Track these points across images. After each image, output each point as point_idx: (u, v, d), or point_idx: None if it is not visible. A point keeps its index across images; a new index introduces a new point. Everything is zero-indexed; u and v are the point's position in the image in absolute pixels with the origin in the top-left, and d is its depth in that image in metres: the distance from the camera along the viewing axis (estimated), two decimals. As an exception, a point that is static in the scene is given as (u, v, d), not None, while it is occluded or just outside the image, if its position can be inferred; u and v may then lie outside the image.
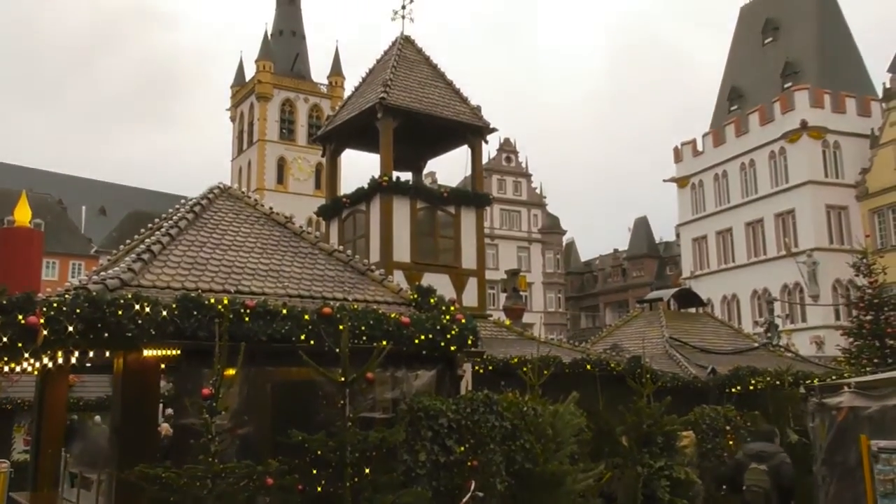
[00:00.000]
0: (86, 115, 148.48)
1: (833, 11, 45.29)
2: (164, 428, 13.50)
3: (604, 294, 68.30)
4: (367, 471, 6.15)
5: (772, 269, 39.09)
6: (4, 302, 5.67)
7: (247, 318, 6.70)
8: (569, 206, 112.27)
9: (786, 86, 42.35)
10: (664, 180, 48.05)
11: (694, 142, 46.36)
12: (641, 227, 66.73)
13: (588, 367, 13.26)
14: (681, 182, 46.83)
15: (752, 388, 14.78)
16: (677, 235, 51.84)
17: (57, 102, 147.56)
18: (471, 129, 15.58)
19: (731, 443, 11.53)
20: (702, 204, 45.49)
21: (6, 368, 9.06)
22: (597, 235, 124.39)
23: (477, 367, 11.82)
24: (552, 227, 63.43)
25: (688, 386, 15.08)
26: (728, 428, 11.61)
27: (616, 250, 70.00)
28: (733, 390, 14.82)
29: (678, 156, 47.28)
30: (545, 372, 10.13)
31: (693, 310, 21.20)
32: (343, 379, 6.34)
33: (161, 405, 14.56)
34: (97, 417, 19.00)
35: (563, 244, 66.08)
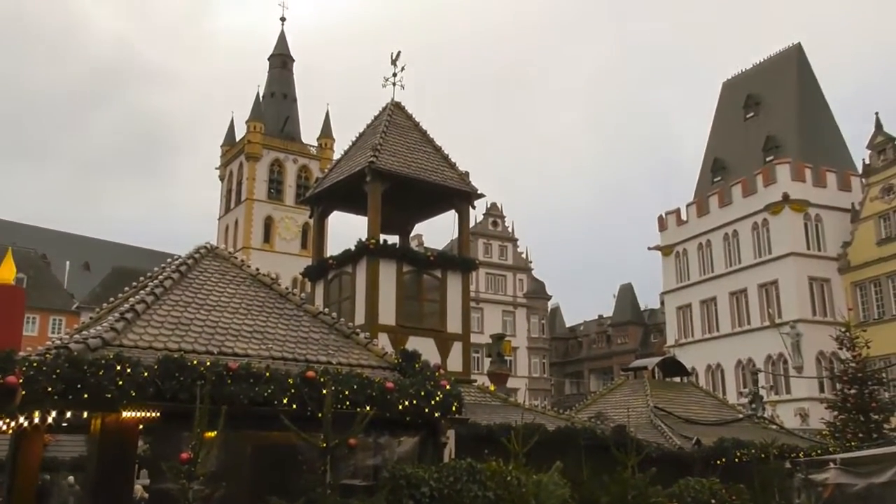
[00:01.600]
0: (72, 170, 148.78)
1: (812, 88, 46.71)
2: (139, 490, 13.16)
3: (588, 360, 68.05)
4: (347, 542, 6.02)
5: (756, 339, 39.19)
6: (-17, 359, 5.59)
7: (229, 381, 6.64)
8: (554, 271, 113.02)
9: (767, 159, 43.28)
10: (649, 248, 48.50)
11: (678, 211, 47.02)
12: (626, 294, 67.00)
13: (572, 436, 13.12)
14: (665, 250, 47.29)
15: (737, 459, 14.67)
16: (662, 303, 52.04)
17: (43, 157, 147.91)
18: (458, 195, 15.77)
19: (716, 517, 11.36)
20: (686, 272, 45.85)
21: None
22: (582, 301, 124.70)
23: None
24: (537, 292, 63.58)
25: (672, 457, 14.93)
26: (713, 502, 11.46)
27: (601, 316, 70.06)
28: (718, 462, 14.70)
29: (663, 224, 47.87)
30: (530, 440, 10.02)
31: (678, 379, 21.16)
32: (325, 444, 6.26)
33: (136, 465, 14.22)
34: (70, 478, 18.49)
35: (549, 309, 66.14)
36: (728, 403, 20.82)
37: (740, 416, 19.14)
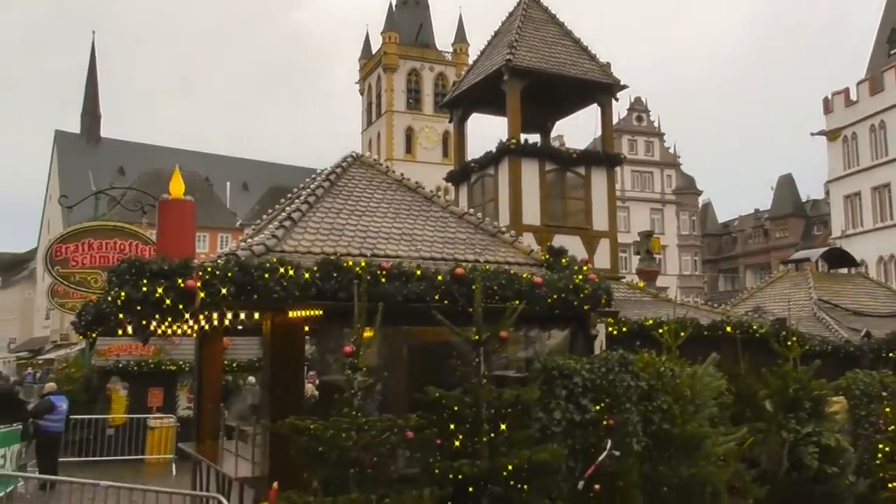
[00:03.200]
0: (226, 95, 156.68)
1: None
2: (309, 389, 14.30)
3: (744, 256, 65.01)
4: (503, 427, 6.25)
5: (936, 226, 35.86)
6: (166, 268, 6.16)
7: (383, 280, 6.93)
8: (705, 166, 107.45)
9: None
10: (812, 134, 44.89)
11: (847, 91, 42.90)
12: (786, 186, 62.80)
13: (728, 329, 12.74)
14: (831, 135, 43.54)
15: (911, 352, 13.75)
16: (826, 193, 48.48)
17: (198, 87, 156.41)
18: (600, 87, 15.18)
19: (888, 410, 10.79)
20: (855, 158, 42.20)
21: (169, 331, 9.91)
22: (735, 196, 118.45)
23: (611, 329, 11.65)
24: (687, 188, 61.02)
25: (838, 350, 14.21)
26: (885, 395, 10.86)
27: (757, 210, 66.34)
28: (891, 355, 13.82)
29: (828, 107, 43.96)
30: (682, 334, 9.84)
31: (845, 270, 19.84)
32: (477, 338, 6.45)
33: (305, 368, 15.42)
34: (250, 378, 20.38)
35: (700, 205, 63.45)
36: (903, 294, 19.32)
37: (917, 307, 17.75)
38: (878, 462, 10.45)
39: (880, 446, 10.51)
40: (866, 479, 10.39)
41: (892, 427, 10.63)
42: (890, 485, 10.25)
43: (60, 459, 14.66)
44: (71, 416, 15.89)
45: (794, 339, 11.19)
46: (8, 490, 11.63)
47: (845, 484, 10.30)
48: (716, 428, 8.62)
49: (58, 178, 69.90)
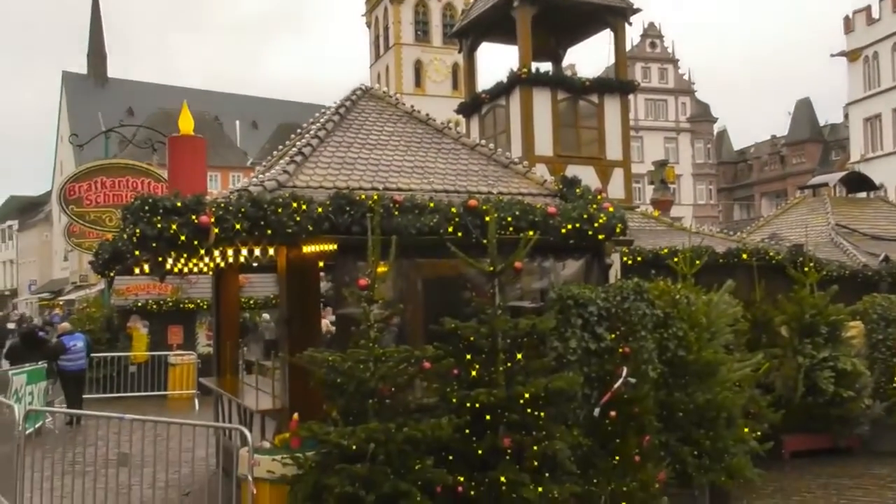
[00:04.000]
0: (231, 33, 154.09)
1: None
2: (325, 325, 14.46)
3: (759, 184, 64.29)
4: (519, 356, 6.30)
5: (957, 148, 35.19)
6: (179, 205, 6.14)
7: (396, 213, 6.89)
8: (720, 93, 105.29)
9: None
10: (832, 55, 43.73)
11: (868, 8, 41.53)
12: (803, 110, 61.53)
13: (744, 256, 12.66)
14: (852, 55, 42.40)
15: (931, 276, 13.65)
16: (845, 116, 47.54)
17: (205, 24, 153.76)
18: (612, 11, 14.72)
19: (905, 333, 10.78)
20: (876, 79, 41.17)
21: (185, 269, 9.99)
22: (751, 122, 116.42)
23: (625, 259, 11.62)
24: (702, 115, 60.01)
25: (856, 275, 14.10)
26: (903, 318, 10.84)
27: (774, 136, 65.28)
28: (909, 278, 13.74)
29: (849, 26, 42.66)
30: (697, 262, 9.79)
31: (864, 195, 19.57)
32: (491, 269, 6.43)
33: (322, 304, 15.56)
34: (266, 315, 20.66)
35: (715, 133, 62.49)
36: (923, 218, 19.07)
37: (936, 230, 17.54)
38: (894, 385, 10.50)
39: (897, 369, 10.55)
40: (882, 402, 10.46)
41: (909, 350, 10.64)
42: (905, 407, 10.32)
43: (86, 396, 15.04)
44: (93, 355, 16.22)
45: (811, 264, 11.13)
46: (37, 426, 11.96)
47: (861, 407, 10.40)
48: (731, 354, 8.67)
49: (67, 120, 69.68)
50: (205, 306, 18.98)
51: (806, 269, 10.96)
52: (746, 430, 7.75)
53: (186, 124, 7.24)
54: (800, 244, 13.16)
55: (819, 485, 8.82)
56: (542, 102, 14.10)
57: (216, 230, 6.08)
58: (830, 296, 10.64)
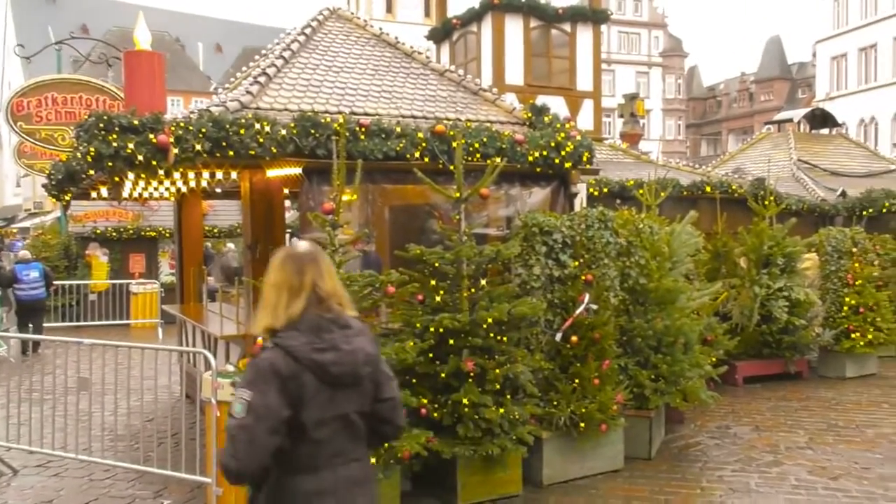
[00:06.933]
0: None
1: None
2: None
3: (728, 120, 64.67)
4: (484, 282, 6.34)
5: (920, 88, 35.60)
6: (136, 123, 5.95)
7: (362, 137, 6.78)
8: (693, 27, 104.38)
9: None
10: (803, -9, 43.45)
11: (841, -55, 41.25)
12: (773, 48, 61.53)
13: (708, 189, 12.83)
14: (822, -8, 42.27)
15: (885, 210, 14.00)
16: (813, 55, 47.61)
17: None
18: (587, -63, 14.42)
19: (856, 265, 11.09)
20: (844, 17, 41.15)
21: (145, 193, 9.78)
22: (722, 59, 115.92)
23: (592, 190, 11.68)
24: (674, 50, 59.65)
25: (814, 209, 14.44)
26: (854, 250, 11.13)
27: (743, 73, 65.32)
28: (864, 213, 14.07)
29: (821, -38, 42.38)
30: (662, 194, 9.89)
31: (826, 131, 19.81)
32: (458, 195, 6.40)
33: (288, 234, 15.43)
34: (230, 244, 20.49)
35: (686, 68, 62.26)
36: (880, 155, 19.44)
37: (893, 167, 17.91)
38: (843, 315, 10.85)
39: (847, 299, 10.88)
40: (831, 330, 10.83)
41: (860, 281, 10.97)
42: (853, 335, 10.69)
43: (46, 325, 14.82)
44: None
45: (772, 198, 11.31)
46: (-7, 353, 11.83)
47: (811, 335, 10.77)
48: (691, 283, 8.85)
49: (16, 37, 66.67)
50: (167, 234, 18.72)
51: (766, 202, 11.13)
52: (702, 355, 7.97)
53: (143, 38, 6.94)
54: (762, 178, 13.37)
55: (769, 407, 9.18)
56: (514, 30, 13.90)
57: (176, 150, 5.92)
58: (788, 228, 10.86)
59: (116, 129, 5.80)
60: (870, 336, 10.73)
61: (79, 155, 6.09)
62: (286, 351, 2.46)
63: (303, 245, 2.74)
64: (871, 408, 9.14)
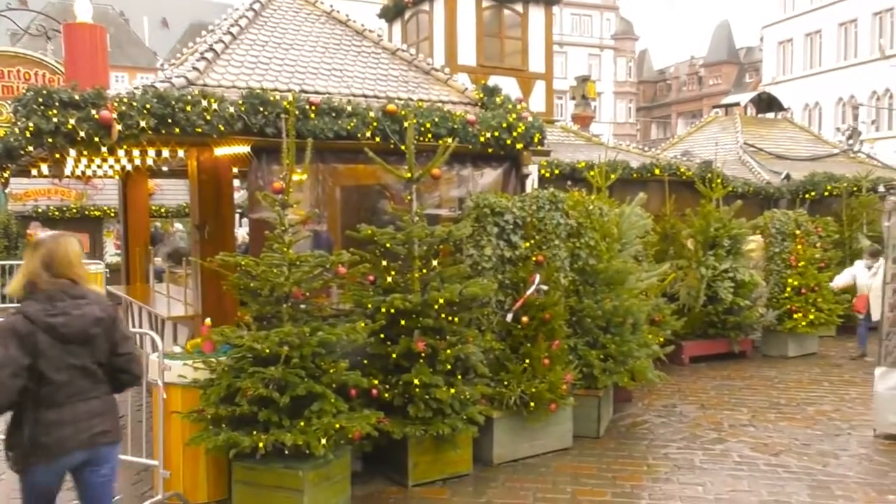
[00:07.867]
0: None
1: None
2: (241, 235, 14.18)
3: (677, 103, 65.77)
4: (435, 263, 6.33)
5: (861, 74, 36.62)
6: (77, 97, 5.75)
7: (312, 115, 6.68)
8: (644, 10, 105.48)
9: None
10: (751, -23, 44.16)
11: (788, -69, 42.00)
12: (722, 32, 62.64)
13: (657, 171, 13.02)
14: (770, -22, 43.06)
15: (827, 194, 14.40)
16: (761, 39, 48.57)
17: None
18: (540, -83, 14.40)
19: (799, 247, 11.41)
20: (791, 2, 42.03)
21: (89, 172, 9.49)
22: (673, 43, 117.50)
23: (543, 171, 11.75)
24: (625, 33, 60.17)
25: (759, 192, 14.78)
26: (798, 232, 11.44)
27: (693, 57, 66.36)
28: (807, 196, 14.47)
29: (769, -52, 43.11)
30: (612, 175, 10.00)
31: (772, 115, 20.26)
32: (409, 175, 6.37)
33: (238, 214, 15.17)
34: (178, 224, 20.07)
35: (637, 51, 62.90)
36: (823, 139, 19.98)
37: (835, 151, 18.44)
38: (786, 295, 11.17)
39: (790, 281, 11.19)
40: (774, 310, 11.14)
41: (802, 263, 11.28)
42: (795, 315, 11.01)
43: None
44: (-7, 262, 15.47)
45: (719, 181, 11.54)
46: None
47: (755, 316, 11.07)
48: (640, 265, 8.99)
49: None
50: (112, 214, 18.25)
51: (713, 185, 11.36)
52: (650, 335, 8.13)
53: (84, 10, 6.70)
54: (709, 161, 13.62)
55: (714, 386, 9.42)
56: (467, 9, 13.84)
57: (119, 127, 5.75)
58: (734, 211, 11.11)
59: (57, 104, 5.61)
60: (811, 316, 11.06)
61: (17, 130, 5.87)
62: (24, 315, 3.31)
63: (45, 235, 3.61)
64: (812, 386, 9.45)
